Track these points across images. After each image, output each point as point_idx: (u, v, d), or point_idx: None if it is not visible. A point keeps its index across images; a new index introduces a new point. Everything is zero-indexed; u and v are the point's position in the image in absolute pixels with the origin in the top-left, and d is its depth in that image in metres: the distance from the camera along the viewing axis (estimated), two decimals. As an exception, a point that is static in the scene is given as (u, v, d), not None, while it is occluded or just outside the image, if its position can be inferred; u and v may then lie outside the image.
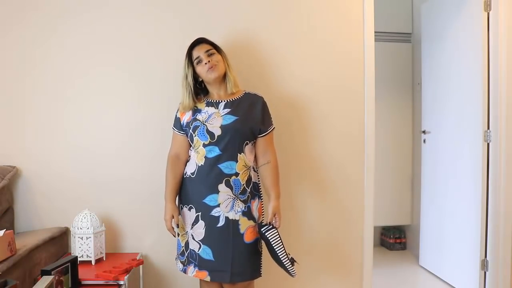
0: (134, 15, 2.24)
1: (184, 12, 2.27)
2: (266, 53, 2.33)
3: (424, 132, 3.31)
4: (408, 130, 3.81)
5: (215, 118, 1.83)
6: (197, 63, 1.85)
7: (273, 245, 1.80)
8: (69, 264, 1.75)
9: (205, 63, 1.83)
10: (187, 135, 1.89)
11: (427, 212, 3.29)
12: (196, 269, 1.84)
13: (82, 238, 2.00)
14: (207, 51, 1.85)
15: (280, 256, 1.80)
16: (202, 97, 1.93)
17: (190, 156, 1.90)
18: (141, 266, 2.10)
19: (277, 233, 1.81)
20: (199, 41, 1.89)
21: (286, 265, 1.81)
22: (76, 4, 2.21)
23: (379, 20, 2.68)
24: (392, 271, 3.34)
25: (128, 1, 2.24)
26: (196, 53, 1.86)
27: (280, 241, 1.81)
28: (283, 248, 1.81)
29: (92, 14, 2.22)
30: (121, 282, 1.83)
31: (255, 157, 1.92)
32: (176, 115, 1.94)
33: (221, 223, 1.80)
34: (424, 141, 3.33)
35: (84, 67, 2.22)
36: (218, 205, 1.80)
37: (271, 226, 1.84)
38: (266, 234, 1.80)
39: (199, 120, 1.84)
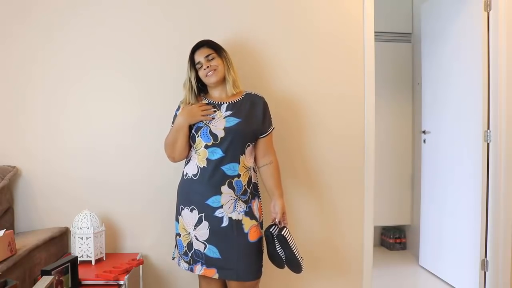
0: (134, 16, 2.24)
1: (183, 13, 2.27)
2: (265, 53, 2.33)
3: (424, 132, 3.31)
4: (408, 130, 3.81)
5: (218, 120, 1.84)
6: (199, 68, 1.89)
7: (290, 244, 1.84)
8: (69, 264, 1.75)
9: (204, 69, 1.86)
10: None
11: (427, 212, 3.29)
12: (204, 267, 1.85)
13: (82, 238, 2.00)
14: (207, 55, 1.87)
15: (296, 253, 1.85)
16: (203, 96, 1.94)
17: (190, 157, 1.90)
18: (141, 266, 2.10)
19: (289, 231, 1.87)
20: (200, 45, 1.91)
21: (300, 261, 1.85)
22: (76, 5, 2.21)
23: (379, 20, 2.68)
24: (392, 271, 3.35)
25: (128, 2, 2.24)
26: (197, 57, 1.89)
27: (293, 238, 1.87)
28: (295, 245, 1.86)
29: (92, 16, 2.22)
30: (121, 282, 1.83)
31: (255, 157, 1.94)
32: (176, 114, 1.94)
33: (225, 223, 1.81)
34: (424, 141, 3.33)
35: (84, 67, 2.22)
36: (221, 206, 1.81)
37: (282, 225, 1.88)
38: (283, 234, 1.84)
39: (202, 121, 1.84)
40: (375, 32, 2.44)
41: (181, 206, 1.89)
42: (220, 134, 1.81)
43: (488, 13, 2.61)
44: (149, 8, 2.25)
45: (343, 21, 2.40)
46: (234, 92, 1.90)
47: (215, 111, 1.86)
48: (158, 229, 2.24)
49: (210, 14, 2.28)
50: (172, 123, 1.93)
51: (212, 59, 1.87)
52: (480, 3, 2.62)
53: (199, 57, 1.88)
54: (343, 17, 2.40)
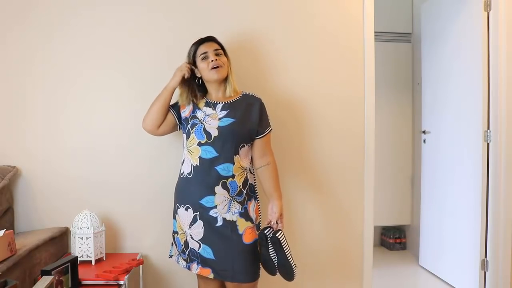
0: (134, 16, 2.24)
1: (183, 13, 2.26)
2: (265, 53, 2.32)
3: (424, 132, 3.31)
4: (408, 130, 3.81)
5: (212, 119, 1.83)
6: (202, 59, 1.85)
7: (284, 247, 1.80)
8: (69, 264, 1.75)
9: (211, 60, 1.82)
10: (183, 130, 1.90)
11: (427, 212, 3.29)
12: (200, 266, 1.84)
13: (82, 238, 2.00)
14: (216, 50, 1.86)
15: (289, 258, 1.81)
16: (200, 96, 1.92)
17: (183, 155, 1.90)
18: (141, 266, 2.11)
19: (284, 235, 1.82)
20: (210, 39, 1.89)
21: (293, 267, 1.81)
22: (76, 5, 2.21)
23: (379, 20, 2.68)
24: (392, 271, 3.35)
25: (128, 2, 2.24)
26: (204, 48, 1.86)
27: (287, 242, 1.82)
28: (289, 250, 1.82)
29: (92, 16, 2.22)
30: (121, 282, 1.83)
31: (252, 158, 1.92)
32: (177, 103, 1.94)
33: (219, 223, 1.81)
34: (424, 141, 3.33)
35: (84, 68, 2.22)
36: (215, 207, 1.80)
37: (278, 229, 1.84)
38: (278, 236, 1.79)
39: (198, 118, 1.84)
40: (375, 32, 2.44)
41: (177, 204, 1.89)
42: (214, 133, 1.80)
43: (488, 13, 2.61)
44: (149, 8, 2.25)
45: (343, 21, 2.40)
46: (232, 95, 1.89)
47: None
48: (158, 229, 2.24)
49: (210, 15, 2.28)
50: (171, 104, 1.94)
51: (220, 54, 1.86)
52: (480, 3, 2.62)
53: (208, 48, 1.85)
54: (343, 17, 2.40)
